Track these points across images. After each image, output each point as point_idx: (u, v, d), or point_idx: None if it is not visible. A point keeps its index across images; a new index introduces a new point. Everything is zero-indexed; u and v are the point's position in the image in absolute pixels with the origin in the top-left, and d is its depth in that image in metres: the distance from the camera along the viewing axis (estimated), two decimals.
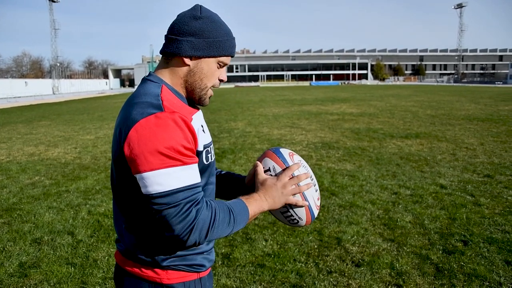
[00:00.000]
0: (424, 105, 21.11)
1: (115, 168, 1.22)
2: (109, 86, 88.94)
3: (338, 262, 3.48)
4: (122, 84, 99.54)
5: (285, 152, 1.42)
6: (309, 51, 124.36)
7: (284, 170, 1.35)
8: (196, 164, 1.17)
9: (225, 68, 1.33)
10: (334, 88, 64.45)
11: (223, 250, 3.76)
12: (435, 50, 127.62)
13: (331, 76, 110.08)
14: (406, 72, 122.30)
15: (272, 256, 3.62)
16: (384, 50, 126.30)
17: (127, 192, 1.21)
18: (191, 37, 1.22)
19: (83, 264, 3.56)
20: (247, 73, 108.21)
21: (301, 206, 1.36)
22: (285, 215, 1.38)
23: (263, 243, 3.89)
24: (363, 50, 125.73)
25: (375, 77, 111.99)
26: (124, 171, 1.17)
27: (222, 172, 1.60)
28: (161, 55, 1.32)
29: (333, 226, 4.27)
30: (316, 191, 1.41)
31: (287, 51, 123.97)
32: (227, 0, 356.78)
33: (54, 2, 70.29)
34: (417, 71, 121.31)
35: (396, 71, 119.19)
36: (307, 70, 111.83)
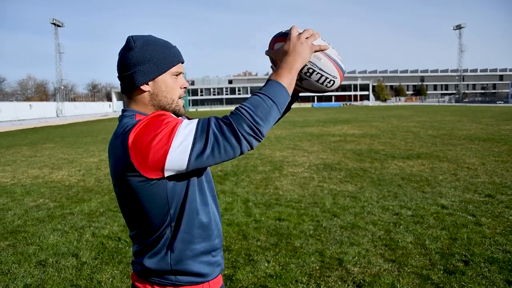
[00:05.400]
0: (426, 126, 21.20)
1: (126, 190, 1.29)
2: (113, 108, 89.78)
3: (339, 283, 3.51)
4: None
5: None
6: None
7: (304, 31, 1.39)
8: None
9: (182, 76, 1.41)
10: (336, 109, 64.83)
11: (225, 272, 3.79)
12: (436, 71, 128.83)
13: (333, 97, 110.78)
14: (407, 92, 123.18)
15: (274, 277, 3.65)
16: (385, 71, 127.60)
17: (142, 207, 1.28)
18: (138, 66, 1.30)
19: (88, 286, 3.60)
20: (249, 95, 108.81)
21: (327, 53, 1.41)
22: (320, 81, 1.42)
23: (265, 264, 3.92)
24: (365, 71, 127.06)
25: (377, 98, 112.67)
26: (138, 187, 1.25)
27: None
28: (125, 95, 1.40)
29: (334, 247, 4.30)
30: (333, 48, 1.46)
31: None
32: (228, 23, 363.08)
33: (59, 26, 71.77)
34: (419, 91, 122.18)
35: (397, 91, 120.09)
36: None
